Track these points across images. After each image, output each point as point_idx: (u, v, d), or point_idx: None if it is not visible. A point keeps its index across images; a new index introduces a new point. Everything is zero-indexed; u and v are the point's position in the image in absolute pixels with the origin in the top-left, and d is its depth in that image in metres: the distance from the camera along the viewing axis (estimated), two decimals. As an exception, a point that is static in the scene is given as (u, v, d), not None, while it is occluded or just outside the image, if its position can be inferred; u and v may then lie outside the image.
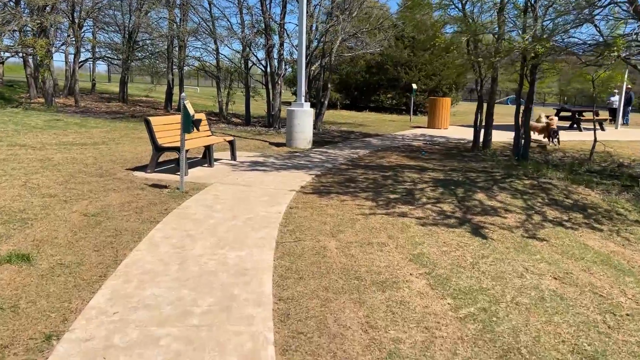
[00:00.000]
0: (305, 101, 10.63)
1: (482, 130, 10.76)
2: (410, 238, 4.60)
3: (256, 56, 15.46)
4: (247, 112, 14.63)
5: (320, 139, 11.93)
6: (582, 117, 16.37)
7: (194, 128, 5.89)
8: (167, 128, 7.27)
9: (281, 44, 13.72)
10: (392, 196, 6.17)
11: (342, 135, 13.15)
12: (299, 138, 10.35)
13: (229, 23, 38.39)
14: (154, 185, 6.25)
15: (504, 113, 28.57)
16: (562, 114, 16.84)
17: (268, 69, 14.13)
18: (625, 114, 18.99)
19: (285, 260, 3.93)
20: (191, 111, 5.80)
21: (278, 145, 10.71)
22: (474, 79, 30.25)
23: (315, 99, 14.39)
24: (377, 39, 15.58)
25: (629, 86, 18.34)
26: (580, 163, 9.63)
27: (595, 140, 10.05)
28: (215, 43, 14.64)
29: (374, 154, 9.88)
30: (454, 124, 17.81)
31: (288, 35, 13.76)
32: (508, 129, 16.18)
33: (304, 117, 10.29)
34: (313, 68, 13.92)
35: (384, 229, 4.84)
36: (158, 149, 7.01)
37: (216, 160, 8.33)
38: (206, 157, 7.79)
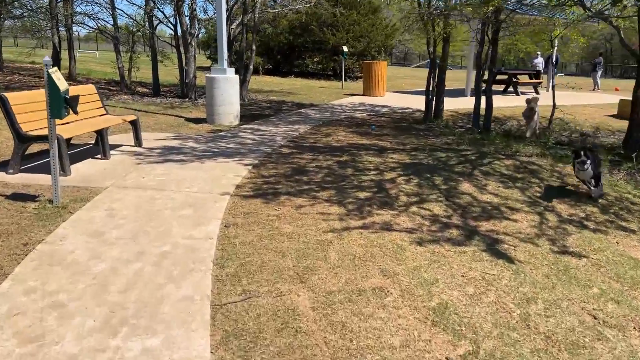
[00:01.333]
0: (229, 66, 8.66)
1: (434, 99, 9.48)
2: (414, 272, 3.09)
3: (163, 12, 12.97)
4: (155, 80, 12.24)
5: (248, 112, 10.05)
6: (518, 81, 15.81)
7: (68, 110, 3.88)
8: (36, 108, 5.09)
9: (193, -3, 11.39)
10: (361, 195, 4.62)
11: (272, 107, 11.31)
12: (224, 112, 8.42)
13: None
14: (16, 196, 4.19)
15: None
16: (498, 77, 16.17)
17: (178, 28, 11.78)
18: (595, 80, 18.92)
19: (231, 353, 2.25)
20: (62, 86, 3.76)
21: (197, 121, 8.70)
22: (403, 41, 29.06)
23: (238, 64, 12.33)
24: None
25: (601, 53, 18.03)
26: (542, 132, 8.71)
27: (554, 107, 9.17)
28: (110, -5, 11.92)
29: (318, 130, 8.24)
30: (389, 91, 16.57)
31: (201, -14, 11.43)
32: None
33: (228, 87, 8.34)
34: (233, 27, 11.79)
35: (372, 257, 3.29)
36: (22, 139, 4.86)
37: (115, 147, 6.25)
38: (100, 144, 5.71)
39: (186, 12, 11.43)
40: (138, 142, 6.42)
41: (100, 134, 5.57)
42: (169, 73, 16.28)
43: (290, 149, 6.67)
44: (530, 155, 6.59)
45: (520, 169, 5.81)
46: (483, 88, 8.44)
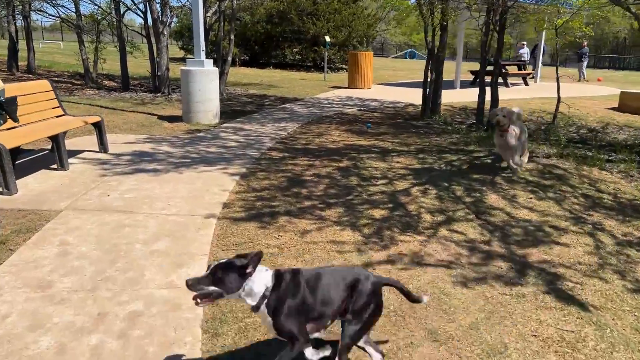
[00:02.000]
0: (206, 58, 7.72)
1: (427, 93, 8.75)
2: (472, 334, 2.33)
3: (131, -2, 11.81)
4: (124, 73, 11.16)
5: (228, 108, 9.13)
6: (507, 72, 15.24)
7: (5, 117, 2.97)
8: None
9: (164, -19, 10.35)
10: (375, 213, 3.84)
11: (254, 102, 10.40)
12: (202, 110, 7.50)
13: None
14: (-62, 227, 3.25)
15: (412, 68, 27.37)
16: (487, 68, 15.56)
17: (149, 16, 10.72)
18: (580, 69, 18.53)
19: None
20: (-8, 83, 2.85)
21: (171, 119, 7.76)
22: (380, 31, 28.16)
23: (215, 56, 11.36)
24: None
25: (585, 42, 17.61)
26: (548, 129, 8.09)
27: (559, 100, 8.56)
28: (70, -22, 10.75)
29: (308, 129, 7.41)
30: (374, 82, 15.80)
31: (173, -31, 10.38)
32: (422, 86, 14.19)
33: (206, 81, 7.42)
34: (209, 14, 10.80)
35: (410, 309, 2.51)
36: (-47, 150, 3.89)
37: (75, 154, 5.30)
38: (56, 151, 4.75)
39: (157, -3, 10.37)
40: (103, 147, 5.48)
41: (56, 141, 4.62)
42: (139, 65, 15.15)
43: (280, 152, 5.83)
44: (548, 156, 5.92)
45: (545, 175, 5.12)
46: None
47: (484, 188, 4.59)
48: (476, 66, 18.56)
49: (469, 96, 12.47)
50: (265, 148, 6.02)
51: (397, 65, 29.79)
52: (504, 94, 13.32)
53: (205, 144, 6.11)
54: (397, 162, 5.52)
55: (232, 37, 10.70)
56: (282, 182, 4.61)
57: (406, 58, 43.97)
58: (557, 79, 8.72)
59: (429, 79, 8.58)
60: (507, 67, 15.76)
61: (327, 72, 20.29)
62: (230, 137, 6.59)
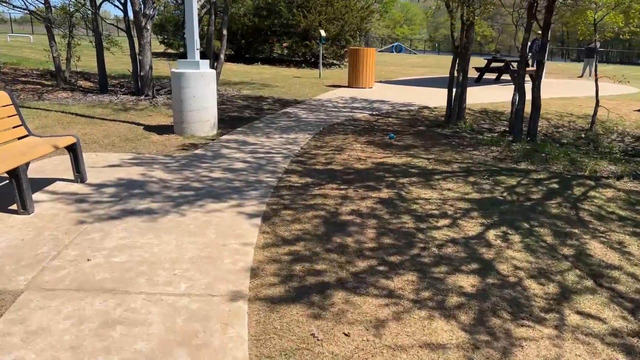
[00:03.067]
0: (201, 58, 6.56)
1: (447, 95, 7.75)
2: None
3: (108, -13, 10.49)
4: (101, 72, 9.87)
5: (225, 114, 7.99)
6: (515, 69, 14.35)
7: None
8: None
9: (147, -32, 9.08)
10: (462, 281, 2.80)
11: (251, 105, 9.25)
12: (197, 120, 6.34)
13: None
14: None
15: (404, 63, 26.32)
16: (494, 64, 14.70)
17: (129, 8, 9.45)
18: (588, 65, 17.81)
19: None
20: None
21: (160, 130, 6.60)
22: (381, 23, 27.30)
23: (206, 53, 10.15)
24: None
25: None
26: (589, 137, 7.20)
27: (597, 104, 7.67)
28: (37, -36, 9.36)
29: (323, 142, 6.33)
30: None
31: (156, -45, 9.10)
32: (425, 83, 12.92)
33: (202, 85, 6.26)
34: (198, 6, 9.57)
35: None
36: None
37: (42, 185, 4.13)
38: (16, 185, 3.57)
39: (138, -13, 9.10)
40: (80, 175, 4.31)
41: (15, 177, 3.45)
42: (117, 61, 13.85)
43: (301, 176, 4.75)
44: (619, 176, 4.99)
45: (632, 205, 4.17)
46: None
47: (575, 230, 3.60)
48: (479, 62, 17.64)
49: (482, 96, 11.55)
50: (280, 171, 4.93)
51: (387, 59, 28.81)
52: (509, 92, 12.42)
53: (207, 167, 4.98)
54: (448, 189, 4.49)
55: (225, 32, 9.50)
56: (316, 226, 3.53)
57: (392, 52, 43.07)
58: (596, 80, 7.83)
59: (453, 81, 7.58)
60: (512, 64, 14.91)
61: (316, 67, 19.18)
62: (235, 156, 5.47)
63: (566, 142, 6.89)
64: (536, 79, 6.58)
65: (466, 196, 4.30)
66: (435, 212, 3.90)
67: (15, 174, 3.44)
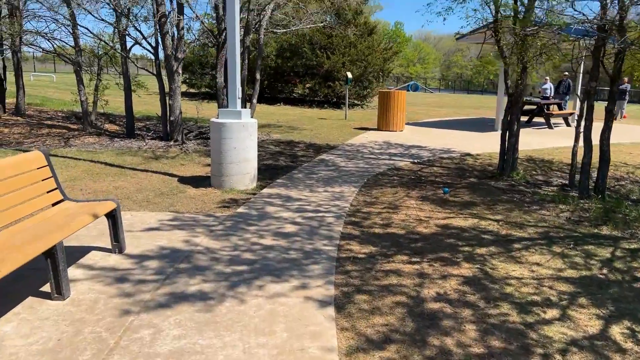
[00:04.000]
0: (243, 107, 6.16)
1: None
2: None
3: (139, 31, 10.38)
4: (129, 116, 9.57)
5: (260, 163, 7.54)
6: (551, 112, 13.90)
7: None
8: None
9: (180, 11, 8.90)
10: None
11: (284, 151, 8.83)
12: (237, 173, 5.88)
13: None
14: None
15: (426, 103, 26.10)
16: (526, 107, 14.25)
17: (160, 52, 9.23)
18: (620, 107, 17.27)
19: None
20: None
21: (196, 183, 6.14)
22: (395, 62, 26.98)
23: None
24: (309, 12, 11.38)
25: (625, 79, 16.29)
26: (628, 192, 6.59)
27: None
28: (70, 7, 9.21)
29: (372, 197, 5.80)
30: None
31: (188, -2, 8.91)
32: (454, 126, 12.50)
33: (244, 136, 5.83)
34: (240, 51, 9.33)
35: None
36: None
37: (76, 256, 3.63)
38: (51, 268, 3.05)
39: (171, 29, 8.88)
40: (118, 245, 3.81)
41: (52, 255, 2.95)
42: (139, 101, 13.64)
43: (361, 243, 4.20)
44: None
45: None
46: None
47: None
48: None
49: (522, 142, 11.01)
50: (337, 236, 4.39)
51: (407, 99, 28.62)
52: (548, 137, 11.90)
53: (255, 230, 4.45)
54: (536, 263, 3.90)
55: (258, 76, 9.20)
56: (402, 319, 2.95)
57: (409, 90, 43.14)
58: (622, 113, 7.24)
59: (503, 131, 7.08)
60: (548, 106, 14.47)
61: (340, 107, 18.95)
62: (283, 215, 4.95)
63: (636, 198, 6.29)
64: (606, 130, 6.04)
65: (561, 274, 3.71)
66: (536, 298, 3.30)
67: (51, 253, 2.94)
